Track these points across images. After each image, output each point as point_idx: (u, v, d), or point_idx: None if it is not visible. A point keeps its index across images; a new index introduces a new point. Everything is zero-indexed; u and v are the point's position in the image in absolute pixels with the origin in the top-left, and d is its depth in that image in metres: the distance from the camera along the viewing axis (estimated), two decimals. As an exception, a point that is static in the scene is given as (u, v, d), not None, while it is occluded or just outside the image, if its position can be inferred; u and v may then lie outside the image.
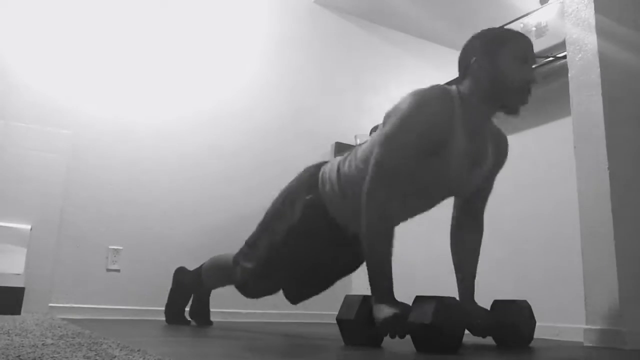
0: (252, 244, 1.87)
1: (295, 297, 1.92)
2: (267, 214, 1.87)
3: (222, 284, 2.17)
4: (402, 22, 3.83)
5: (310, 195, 1.71)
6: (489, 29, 1.56)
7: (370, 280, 1.42)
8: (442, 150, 1.45)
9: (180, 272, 2.29)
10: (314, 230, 1.70)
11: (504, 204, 2.19)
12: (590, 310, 1.63)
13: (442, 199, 1.65)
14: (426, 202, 1.65)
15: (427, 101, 1.44)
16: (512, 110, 1.50)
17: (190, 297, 2.28)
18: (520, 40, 1.51)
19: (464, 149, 1.47)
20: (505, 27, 1.53)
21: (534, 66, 1.54)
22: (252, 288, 1.89)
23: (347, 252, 1.75)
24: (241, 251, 1.92)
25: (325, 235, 1.69)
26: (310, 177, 1.76)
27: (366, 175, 1.46)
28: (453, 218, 1.70)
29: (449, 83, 1.58)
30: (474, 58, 1.49)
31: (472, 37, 1.56)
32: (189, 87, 3.12)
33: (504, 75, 1.46)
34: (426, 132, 1.42)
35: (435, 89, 1.48)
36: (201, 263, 2.38)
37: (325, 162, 1.80)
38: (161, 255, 2.81)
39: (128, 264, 2.78)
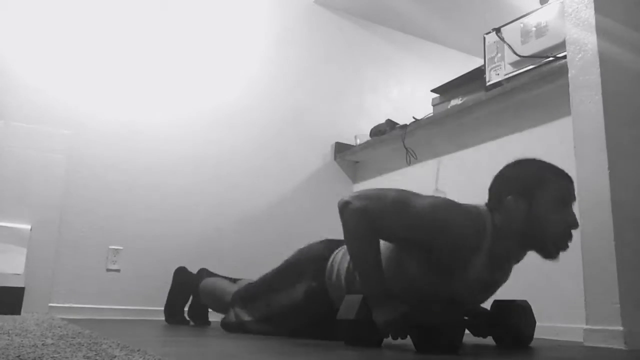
0: (252, 296, 1.87)
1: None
2: (273, 274, 1.85)
3: (216, 311, 2.17)
4: (402, 22, 3.83)
5: (315, 280, 1.67)
6: (526, 162, 1.47)
7: (363, 287, 1.42)
8: (457, 271, 1.39)
9: (180, 272, 2.29)
10: (313, 314, 1.67)
11: (504, 204, 2.18)
12: (590, 310, 1.63)
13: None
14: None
15: (461, 214, 1.38)
16: (549, 255, 1.41)
17: (190, 297, 2.28)
18: (561, 182, 1.42)
19: (481, 278, 1.42)
20: (546, 163, 1.43)
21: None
22: (247, 331, 1.86)
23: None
24: (240, 294, 1.92)
25: (324, 320, 1.61)
26: (319, 258, 1.71)
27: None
28: None
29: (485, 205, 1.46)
30: (510, 196, 1.40)
31: (508, 166, 1.48)
32: (188, 88, 3.12)
33: (544, 220, 1.37)
34: (443, 246, 1.36)
35: (471, 207, 1.41)
36: (201, 264, 2.40)
37: (340, 245, 1.70)
38: (161, 255, 2.81)
39: (128, 264, 2.78)
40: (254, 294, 1.88)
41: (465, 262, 1.39)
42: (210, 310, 2.29)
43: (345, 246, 1.64)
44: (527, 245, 1.44)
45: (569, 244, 1.41)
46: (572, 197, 1.44)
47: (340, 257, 1.66)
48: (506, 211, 1.40)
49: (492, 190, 1.47)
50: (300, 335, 1.67)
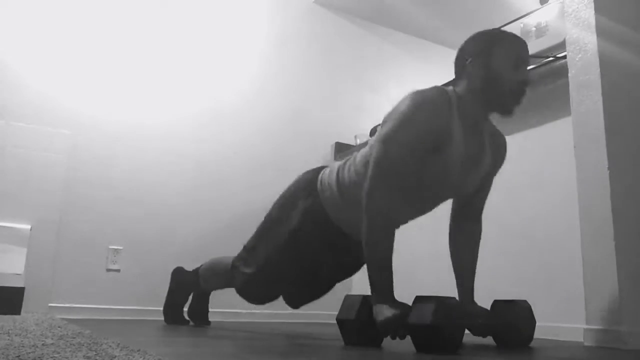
0: (250, 248, 1.86)
1: (295, 302, 1.92)
2: (265, 218, 1.86)
3: (221, 287, 2.17)
4: (402, 22, 3.83)
5: (309, 200, 1.70)
6: (484, 31, 1.57)
7: (370, 281, 1.42)
8: (441, 150, 1.45)
9: (178, 272, 2.29)
10: (314, 235, 1.69)
11: (504, 204, 2.19)
12: (590, 310, 1.63)
13: (441, 200, 1.65)
14: (425, 204, 1.64)
15: (425, 102, 1.45)
16: (505, 111, 1.50)
17: (189, 296, 2.28)
18: (514, 42, 1.51)
19: (462, 149, 1.48)
20: (502, 28, 1.53)
21: (529, 67, 1.54)
22: (253, 293, 1.88)
23: (347, 255, 1.74)
24: (240, 256, 1.91)
25: (325, 239, 1.69)
26: (309, 181, 1.76)
27: (363, 179, 1.47)
28: (451, 219, 1.70)
29: (447, 84, 1.58)
30: (469, 59, 1.51)
31: (468, 38, 1.57)
32: (188, 88, 3.12)
33: (498, 76, 1.47)
34: (424, 132, 1.43)
35: (433, 90, 1.49)
36: (201, 263, 2.39)
37: (324, 167, 1.80)
38: (161, 255, 2.81)
39: (128, 264, 2.78)
40: (253, 244, 1.86)
41: (443, 139, 1.44)
42: (209, 310, 2.29)
43: (330, 165, 1.75)
44: (488, 104, 1.51)
45: (522, 100, 1.50)
46: (525, 58, 1.51)
47: (328, 173, 1.71)
48: (467, 75, 1.51)
49: (456, 60, 1.56)
50: (308, 263, 1.69)
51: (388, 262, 1.40)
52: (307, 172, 1.83)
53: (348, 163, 1.67)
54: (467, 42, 1.56)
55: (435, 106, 1.45)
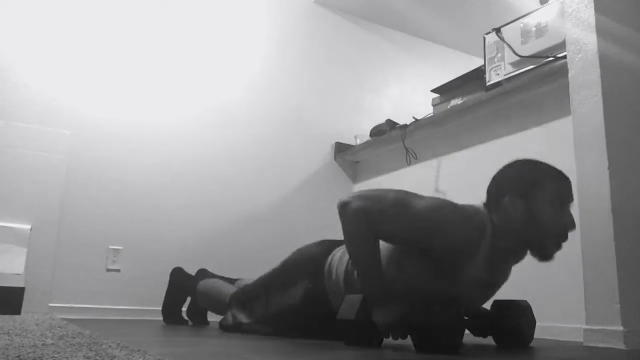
0: (248, 298, 1.87)
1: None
2: (270, 276, 1.85)
3: (214, 312, 2.17)
4: (402, 22, 3.83)
5: (313, 281, 1.67)
6: (525, 162, 1.47)
7: (362, 287, 1.42)
8: (455, 272, 1.39)
9: (177, 273, 2.28)
10: (311, 315, 1.66)
11: (504, 204, 2.18)
12: (590, 310, 1.63)
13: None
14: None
15: (461, 215, 1.38)
16: (544, 256, 1.42)
17: (186, 298, 2.28)
18: (558, 183, 1.43)
19: (479, 279, 1.42)
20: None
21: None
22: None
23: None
24: (238, 296, 1.93)
25: (321, 321, 1.62)
26: (317, 261, 1.70)
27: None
28: None
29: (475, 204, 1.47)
30: (507, 197, 1.41)
31: (505, 167, 1.48)
32: (188, 88, 3.12)
33: (540, 221, 1.38)
34: (443, 239, 1.36)
35: (472, 212, 1.41)
36: (201, 264, 2.39)
37: (337, 244, 1.71)
38: (161, 255, 2.81)
39: (128, 264, 2.78)
40: (252, 296, 1.88)
41: (464, 262, 1.39)
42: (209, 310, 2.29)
43: (343, 246, 1.64)
44: (525, 246, 1.44)
45: (563, 244, 1.42)
46: (570, 198, 1.44)
47: (339, 258, 1.66)
48: (504, 212, 1.41)
49: (490, 191, 1.48)
50: (299, 336, 1.67)
51: (373, 266, 1.39)
52: (318, 244, 1.78)
53: None
54: (504, 173, 1.47)
55: (469, 227, 1.37)
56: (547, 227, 1.39)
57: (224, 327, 1.93)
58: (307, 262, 1.73)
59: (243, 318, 1.86)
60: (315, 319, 1.66)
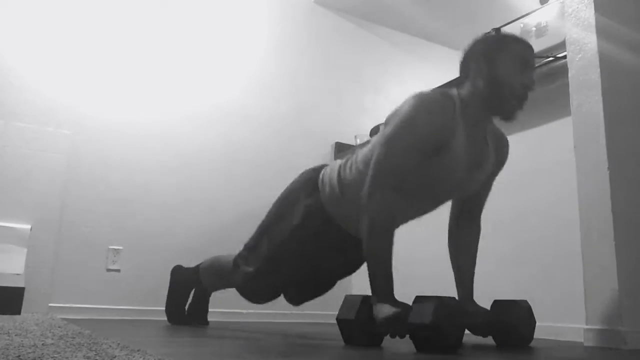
0: (252, 247, 1.87)
1: (296, 300, 1.92)
2: (266, 217, 1.87)
3: (222, 287, 2.17)
4: (402, 22, 3.83)
5: (310, 198, 1.71)
6: (487, 35, 1.56)
7: (370, 280, 1.42)
8: (443, 152, 1.45)
9: (177, 271, 2.28)
10: (315, 233, 1.70)
11: (504, 204, 2.18)
12: (590, 310, 1.63)
13: (443, 201, 1.65)
14: (427, 204, 1.65)
15: (428, 104, 1.45)
16: (507, 115, 1.50)
17: (190, 294, 2.27)
18: (520, 46, 1.50)
19: (465, 150, 1.48)
20: (508, 31, 1.53)
21: (533, 71, 1.53)
22: (255, 292, 1.88)
23: (347, 253, 1.75)
24: (241, 254, 1.91)
25: (326, 237, 1.69)
26: (310, 179, 1.76)
27: (364, 177, 1.47)
28: (451, 219, 1.70)
29: (450, 84, 1.58)
30: (473, 63, 1.50)
31: (474, 40, 1.56)
32: (188, 88, 3.12)
33: (502, 80, 1.46)
34: (427, 134, 1.43)
35: (437, 92, 1.49)
36: (201, 262, 2.38)
37: (325, 165, 1.80)
38: (161, 255, 2.81)
39: (128, 264, 2.78)
40: (255, 242, 1.86)
41: (445, 140, 1.44)
42: (209, 310, 2.29)
43: (332, 163, 1.74)
44: (491, 108, 1.50)
45: (524, 105, 1.49)
46: (531, 62, 1.50)
47: (330, 170, 1.71)
48: (471, 78, 1.50)
49: (460, 64, 1.56)
50: (309, 261, 1.70)
51: (388, 262, 1.40)
52: (308, 171, 1.84)
53: (349, 162, 1.67)
54: (473, 44, 1.55)
55: (438, 109, 1.45)
56: (509, 88, 1.46)
57: (238, 288, 1.89)
58: (300, 185, 1.78)
59: (251, 267, 1.83)
60: (319, 236, 1.69)
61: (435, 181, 1.50)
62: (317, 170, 1.79)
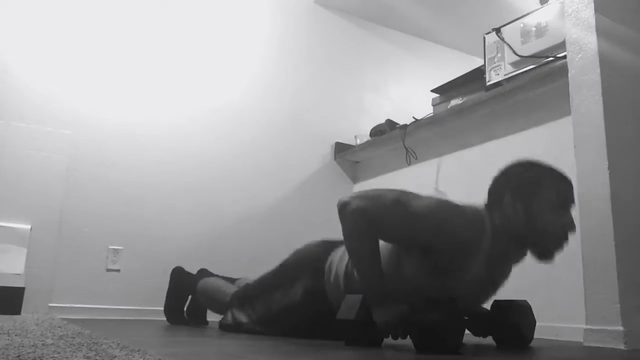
0: (249, 298, 1.87)
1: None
2: (267, 278, 1.86)
3: (214, 311, 2.18)
4: (402, 22, 3.83)
5: (313, 280, 1.68)
6: (526, 164, 1.47)
7: (362, 287, 1.43)
8: (455, 272, 1.40)
9: (177, 272, 2.28)
10: (312, 315, 1.67)
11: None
12: (590, 310, 1.63)
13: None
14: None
15: (459, 216, 1.38)
16: (545, 256, 1.42)
17: (187, 298, 2.28)
18: (559, 185, 1.42)
19: (479, 277, 1.42)
20: (545, 163, 1.44)
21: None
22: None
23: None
24: (238, 295, 1.93)
25: (321, 321, 1.62)
26: (317, 260, 1.71)
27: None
28: None
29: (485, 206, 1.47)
30: (508, 196, 1.41)
31: (507, 167, 1.48)
32: (189, 88, 3.12)
33: (541, 222, 1.38)
34: (442, 246, 1.37)
35: (472, 213, 1.41)
36: (201, 264, 2.39)
37: (336, 244, 1.72)
38: (161, 255, 2.81)
39: (128, 264, 2.78)
40: (252, 296, 1.88)
41: (463, 262, 1.39)
42: (209, 310, 2.29)
43: (343, 247, 1.64)
44: (525, 246, 1.45)
45: (565, 246, 1.42)
46: (571, 200, 1.44)
47: (339, 258, 1.66)
48: (504, 212, 1.41)
49: (491, 191, 1.48)
50: (299, 336, 1.67)
51: (374, 265, 1.40)
52: (317, 244, 1.79)
53: None
54: (506, 173, 1.46)
55: (468, 231, 1.37)
56: (547, 229, 1.39)
57: (223, 327, 1.93)
58: (307, 262, 1.74)
59: (243, 318, 1.86)
60: (315, 318, 1.66)
61: (437, 293, 1.40)
62: (327, 249, 1.72)
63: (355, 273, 1.50)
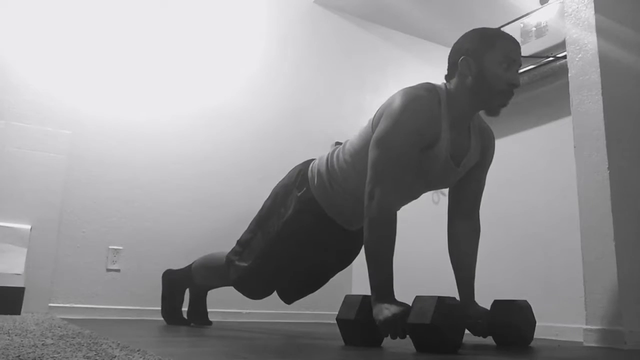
0: (245, 242, 1.87)
1: (289, 296, 1.93)
2: (259, 212, 1.88)
3: (216, 284, 2.17)
4: (402, 22, 3.83)
5: (301, 190, 1.73)
6: (480, 28, 1.57)
7: (370, 280, 1.42)
8: (430, 146, 1.49)
9: (168, 273, 2.27)
10: (307, 225, 1.71)
11: (505, 204, 2.19)
12: (590, 310, 1.63)
13: (430, 189, 1.70)
14: (414, 193, 1.68)
15: (416, 101, 1.48)
16: (491, 111, 1.52)
17: (184, 294, 2.26)
18: (508, 42, 1.51)
19: (449, 141, 1.52)
20: (501, 28, 1.55)
21: (520, 70, 1.55)
22: (249, 287, 1.88)
23: (340, 246, 1.78)
24: (234, 250, 1.91)
25: (318, 230, 1.71)
26: (300, 172, 1.79)
27: (351, 168, 1.58)
28: (448, 218, 1.70)
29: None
30: (462, 56, 1.52)
31: (463, 35, 1.58)
32: (188, 87, 3.12)
33: (488, 75, 1.48)
34: (416, 132, 1.46)
35: (423, 88, 1.53)
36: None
37: (314, 159, 1.82)
38: (161, 255, 2.81)
39: (128, 264, 2.78)
40: (248, 237, 1.86)
41: (434, 135, 1.48)
42: (209, 310, 2.29)
43: (319, 156, 1.77)
44: (476, 103, 1.52)
45: (508, 101, 1.51)
46: (517, 59, 1.51)
47: (318, 162, 1.75)
48: (459, 74, 1.52)
49: (448, 58, 1.58)
50: (302, 253, 1.71)
51: (388, 262, 1.40)
52: (298, 165, 1.87)
53: (337, 151, 1.71)
54: (462, 39, 1.57)
55: (425, 106, 1.48)
56: (495, 84, 1.48)
57: (232, 281, 1.86)
58: (291, 180, 1.81)
59: (244, 262, 1.82)
60: (312, 227, 1.70)
61: (422, 171, 1.53)
62: (307, 163, 1.82)
63: (367, 268, 1.47)
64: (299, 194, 1.73)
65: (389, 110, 1.51)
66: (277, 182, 1.93)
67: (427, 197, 1.54)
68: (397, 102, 1.49)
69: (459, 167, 1.58)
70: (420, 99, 1.48)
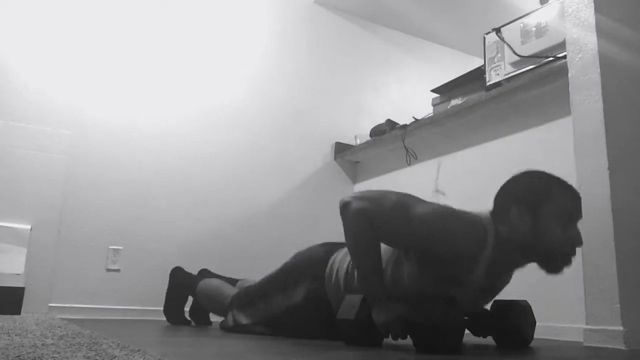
0: (250, 300, 1.88)
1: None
2: (268, 281, 1.86)
3: (214, 313, 2.19)
4: (402, 22, 3.83)
5: (314, 283, 1.68)
6: (534, 174, 1.44)
7: (362, 287, 1.43)
8: (455, 279, 1.39)
9: (177, 273, 2.28)
10: (311, 317, 1.67)
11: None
12: (590, 310, 1.63)
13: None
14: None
15: (462, 231, 1.36)
16: (553, 270, 1.39)
17: (187, 298, 2.28)
18: (568, 198, 1.40)
19: (478, 285, 1.42)
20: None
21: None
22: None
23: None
24: (239, 297, 1.93)
25: (321, 322, 1.63)
26: (319, 262, 1.71)
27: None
28: None
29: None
30: (515, 207, 1.38)
31: (515, 177, 1.45)
32: (188, 88, 3.12)
33: (548, 235, 1.35)
34: (442, 254, 1.36)
35: (475, 222, 1.38)
36: (201, 264, 2.40)
37: (339, 248, 1.72)
38: (161, 255, 2.81)
39: (128, 264, 2.78)
40: (253, 298, 1.88)
41: (463, 270, 1.38)
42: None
43: (344, 249, 1.65)
44: (530, 258, 1.43)
45: (573, 260, 1.39)
46: (578, 214, 1.43)
47: (340, 260, 1.66)
48: (510, 223, 1.38)
49: (497, 200, 1.44)
50: (300, 337, 1.67)
51: (374, 266, 1.40)
52: (320, 246, 1.79)
53: None
54: (513, 183, 1.43)
55: (469, 242, 1.36)
56: (554, 243, 1.36)
57: (225, 329, 1.93)
58: (309, 264, 1.74)
59: (243, 319, 1.86)
60: (316, 319, 1.66)
61: (436, 293, 1.41)
62: (327, 253, 1.72)
63: (355, 275, 1.50)
64: (312, 286, 1.67)
65: (431, 219, 1.37)
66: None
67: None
68: (443, 220, 1.36)
69: (481, 299, 1.53)
70: (468, 227, 1.35)
